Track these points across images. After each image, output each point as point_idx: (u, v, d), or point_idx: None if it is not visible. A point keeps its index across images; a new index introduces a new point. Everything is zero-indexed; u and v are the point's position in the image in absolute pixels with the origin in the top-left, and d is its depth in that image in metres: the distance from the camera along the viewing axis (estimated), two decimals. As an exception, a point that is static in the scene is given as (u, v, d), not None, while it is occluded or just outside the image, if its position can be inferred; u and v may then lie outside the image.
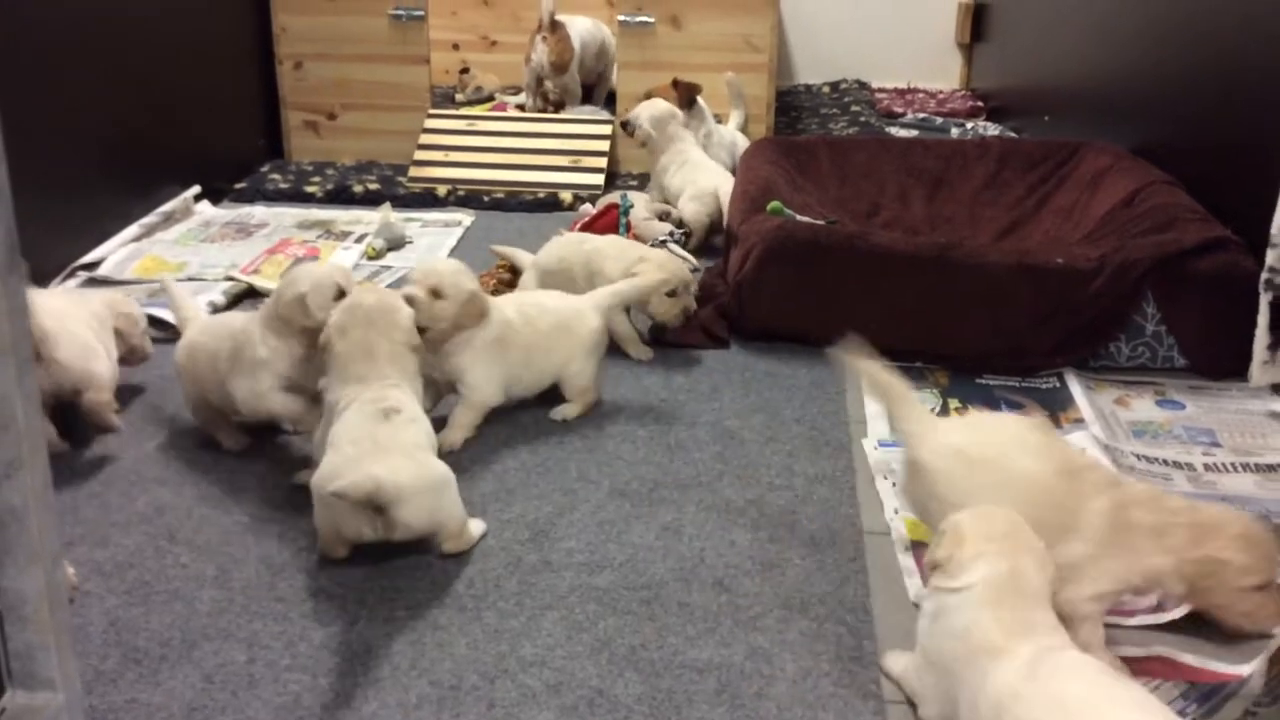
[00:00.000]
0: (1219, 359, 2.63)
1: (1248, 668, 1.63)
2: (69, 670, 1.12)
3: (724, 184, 3.46)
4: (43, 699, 1.10)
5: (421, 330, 2.20)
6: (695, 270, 3.29)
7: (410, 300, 2.23)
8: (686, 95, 3.83)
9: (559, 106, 4.82)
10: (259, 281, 3.13)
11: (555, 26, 4.58)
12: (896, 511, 2.12)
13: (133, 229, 3.41)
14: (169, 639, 1.76)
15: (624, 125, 3.79)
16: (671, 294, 2.68)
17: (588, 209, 3.62)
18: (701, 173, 3.56)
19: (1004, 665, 1.41)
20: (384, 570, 1.93)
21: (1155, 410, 2.53)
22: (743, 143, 3.95)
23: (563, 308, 2.51)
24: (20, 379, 1.00)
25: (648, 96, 3.84)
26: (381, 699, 1.64)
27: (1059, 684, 1.36)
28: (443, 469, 1.94)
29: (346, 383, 2.01)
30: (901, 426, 1.91)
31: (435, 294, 2.28)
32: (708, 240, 3.49)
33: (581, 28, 4.73)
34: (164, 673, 1.69)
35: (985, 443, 1.81)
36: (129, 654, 1.72)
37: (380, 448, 1.87)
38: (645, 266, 2.69)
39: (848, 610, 1.85)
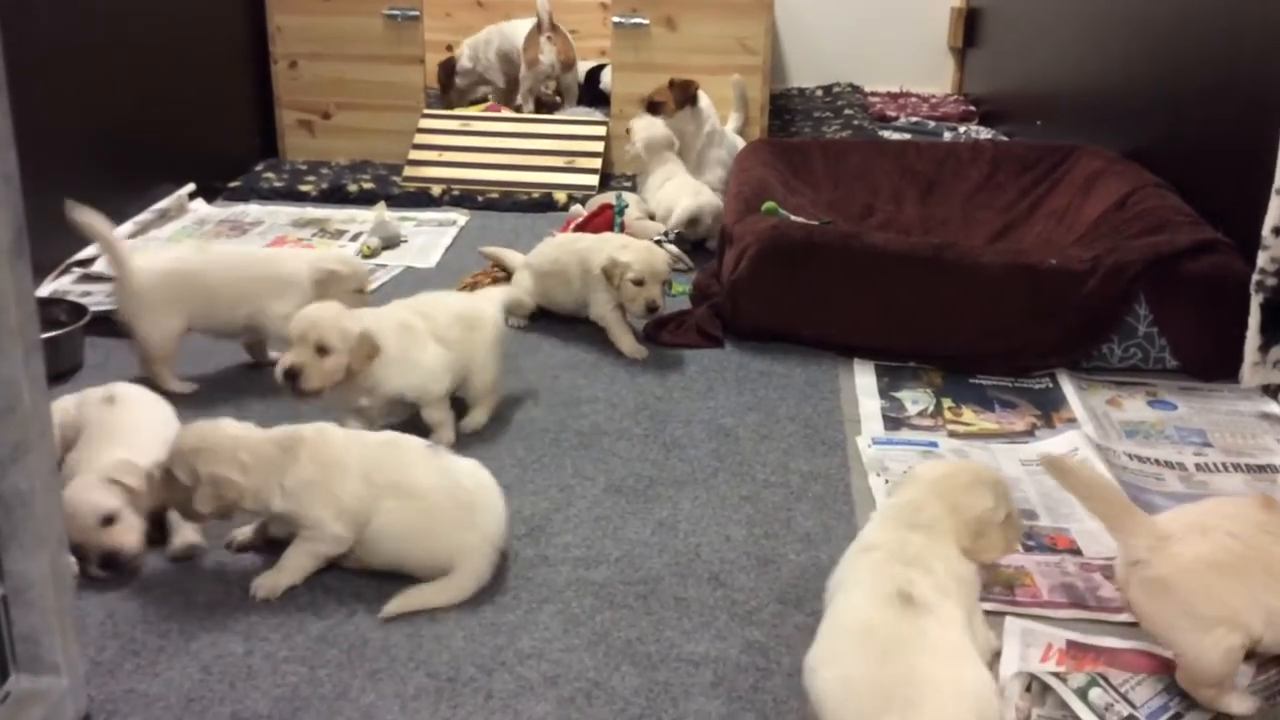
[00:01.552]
0: (1210, 360, 2.65)
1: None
2: (73, 655, 1.12)
3: (707, 203, 3.47)
4: (47, 683, 1.10)
5: (316, 393, 2.11)
6: (689, 270, 3.31)
7: (294, 371, 2.09)
8: (682, 95, 3.83)
9: (553, 107, 4.83)
10: (254, 278, 3.12)
11: (555, 26, 4.60)
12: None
13: (127, 226, 3.41)
14: (167, 630, 1.76)
15: (628, 131, 3.80)
16: (639, 283, 2.69)
17: (578, 210, 3.63)
18: (685, 195, 3.51)
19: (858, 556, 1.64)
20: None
21: (1147, 411, 2.55)
22: (740, 145, 3.96)
23: (460, 304, 2.45)
24: (27, 362, 1.00)
25: (648, 102, 3.83)
26: (379, 690, 1.65)
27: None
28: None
29: None
30: (1127, 540, 1.66)
31: (321, 350, 2.13)
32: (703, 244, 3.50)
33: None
34: (162, 663, 1.69)
35: (1230, 547, 1.62)
36: (127, 645, 1.72)
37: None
38: (622, 253, 2.71)
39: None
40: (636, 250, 2.73)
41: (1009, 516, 1.73)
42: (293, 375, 2.11)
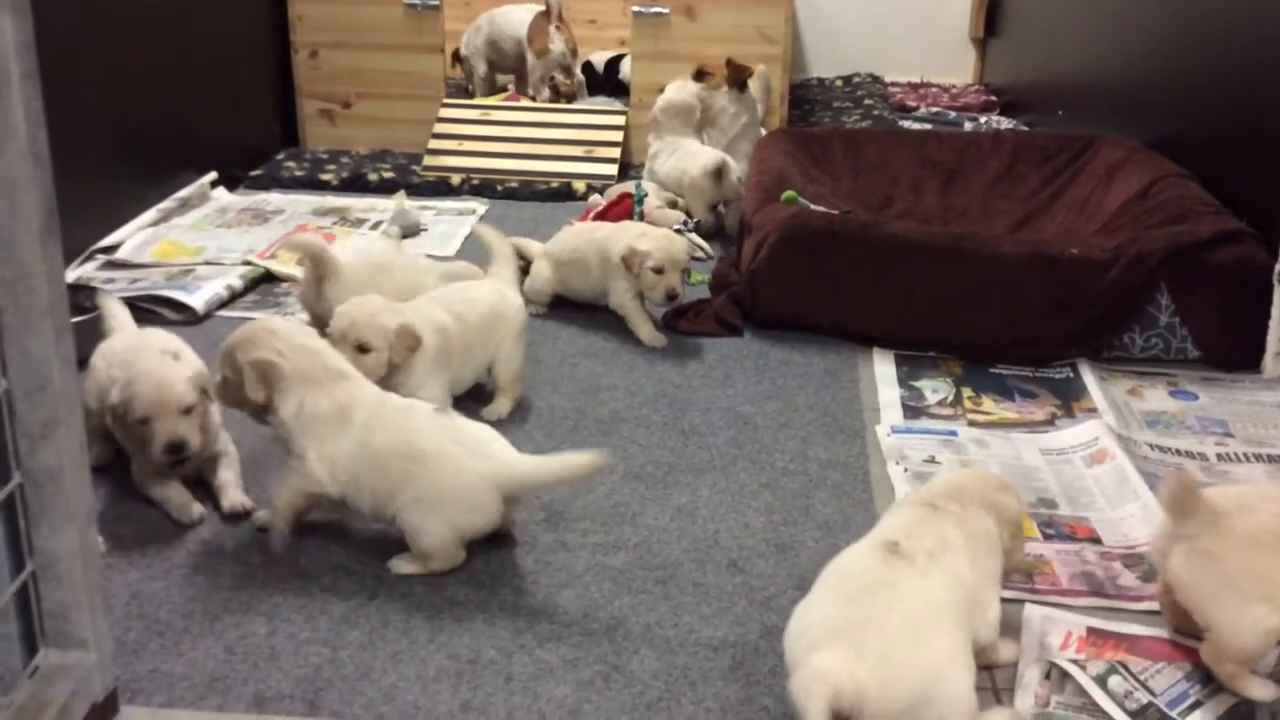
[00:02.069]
0: (1232, 350, 2.63)
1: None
2: (101, 630, 1.14)
3: (712, 158, 3.49)
4: (75, 658, 1.12)
5: None
6: (709, 258, 3.32)
7: None
8: (735, 75, 3.81)
9: (571, 97, 4.84)
10: (276, 266, 3.15)
11: (561, 15, 4.62)
12: (907, 496, 2.13)
13: (150, 214, 3.43)
14: (191, 611, 1.78)
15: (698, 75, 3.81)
16: (658, 271, 2.70)
17: (597, 200, 3.63)
18: (703, 155, 3.54)
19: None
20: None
21: (1168, 401, 2.54)
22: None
23: (489, 295, 2.44)
24: (58, 341, 1.01)
25: (697, 70, 3.82)
26: (400, 671, 1.66)
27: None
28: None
29: None
30: (1183, 519, 1.63)
31: (361, 349, 2.16)
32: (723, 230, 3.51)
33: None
34: (186, 644, 1.71)
35: (1276, 529, 1.60)
36: (151, 625, 1.74)
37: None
38: (641, 241, 2.72)
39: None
40: (655, 238, 2.74)
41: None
42: None
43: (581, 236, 2.92)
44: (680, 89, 3.75)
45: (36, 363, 1.02)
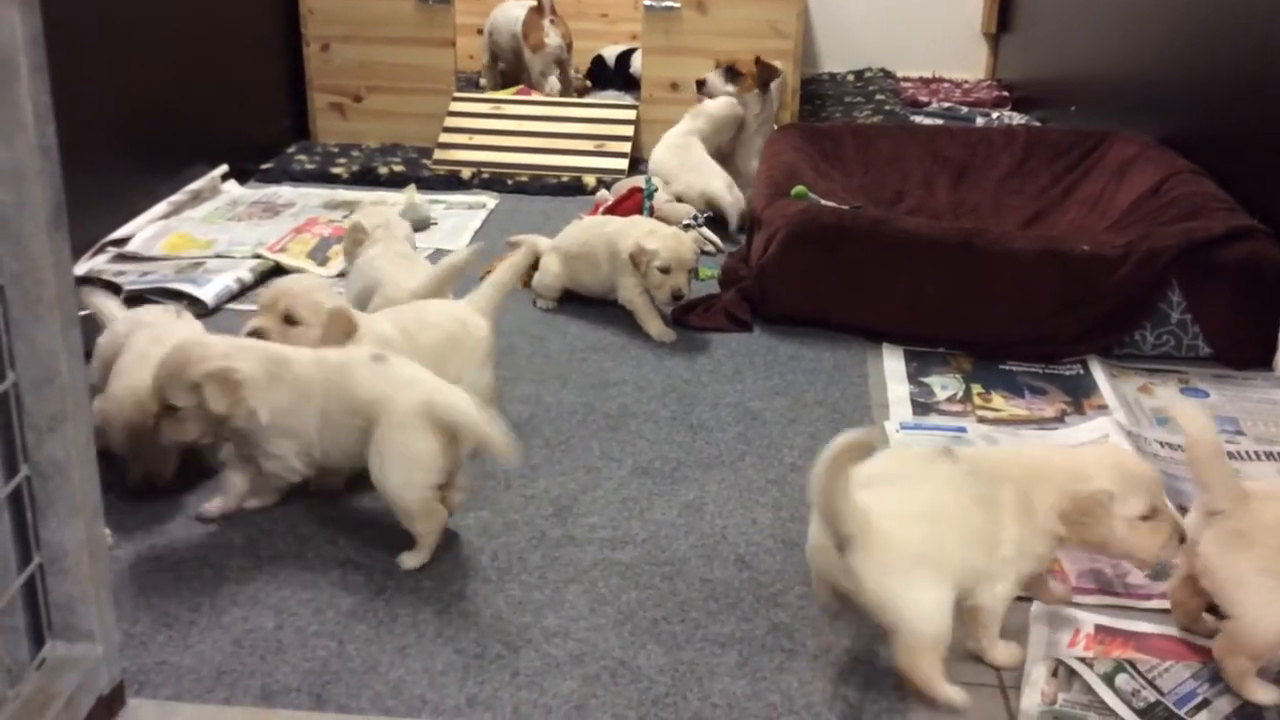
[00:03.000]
0: (1244, 348, 2.62)
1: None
2: (107, 623, 1.14)
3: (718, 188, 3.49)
4: (81, 650, 1.12)
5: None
6: (719, 252, 3.31)
7: (259, 333, 2.04)
8: (765, 76, 3.80)
9: (582, 91, 4.83)
10: (286, 259, 3.15)
11: (554, 9, 4.62)
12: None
13: (161, 206, 3.44)
14: (198, 604, 1.78)
15: (700, 85, 3.79)
16: (665, 270, 2.70)
17: (605, 194, 3.63)
18: (724, 192, 3.52)
19: None
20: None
21: (1179, 398, 2.52)
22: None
23: (447, 321, 2.22)
24: (65, 334, 1.02)
25: (728, 67, 3.79)
26: (407, 665, 1.66)
27: None
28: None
29: None
30: (1212, 490, 1.63)
31: (289, 320, 2.09)
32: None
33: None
34: (194, 636, 1.71)
35: None
36: (159, 618, 1.75)
37: None
38: (649, 240, 2.72)
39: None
40: (664, 237, 2.73)
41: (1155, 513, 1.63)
42: (254, 337, 2.08)
43: (590, 231, 2.92)
44: (730, 105, 3.73)
45: (44, 355, 1.02)
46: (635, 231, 2.79)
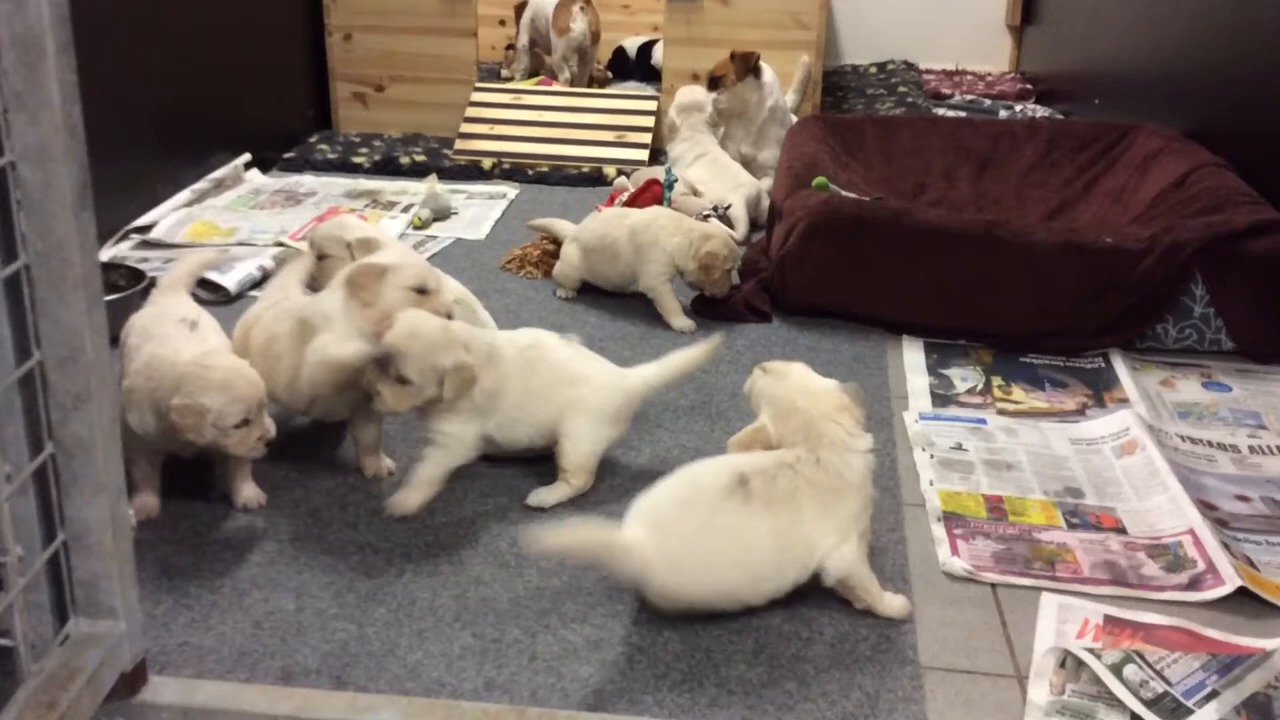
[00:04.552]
0: (1267, 342, 2.61)
1: (1273, 642, 1.62)
2: (130, 600, 1.15)
3: (748, 195, 3.48)
4: (105, 627, 1.13)
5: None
6: (741, 244, 3.31)
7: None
8: (743, 65, 3.79)
9: (603, 82, 4.83)
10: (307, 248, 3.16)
11: None
12: (931, 483, 2.12)
13: (184, 194, 3.46)
14: (220, 586, 1.80)
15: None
16: (729, 269, 2.81)
17: (624, 183, 3.63)
18: (728, 192, 3.49)
19: None
20: (429, 526, 1.96)
21: (1201, 392, 2.51)
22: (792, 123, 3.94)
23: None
24: (90, 312, 1.03)
25: (710, 78, 3.81)
26: (426, 649, 1.67)
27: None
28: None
29: None
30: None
31: (322, 256, 2.22)
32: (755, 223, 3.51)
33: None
34: (215, 618, 1.73)
35: None
36: (180, 599, 1.76)
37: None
38: (709, 244, 2.77)
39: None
40: (722, 240, 2.81)
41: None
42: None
43: (610, 222, 2.92)
44: (690, 90, 3.75)
45: (69, 334, 1.03)
46: (657, 224, 2.81)
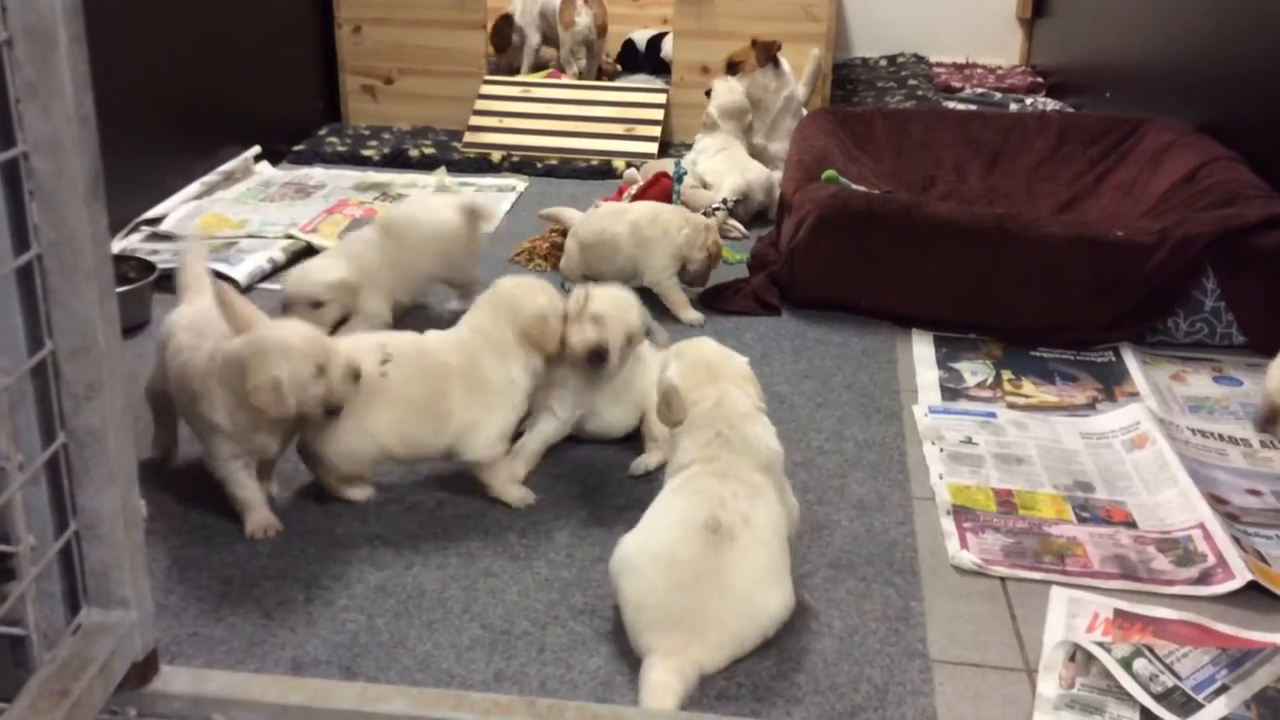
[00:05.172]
0: (1278, 336, 2.59)
1: (1285, 637, 1.62)
2: (141, 590, 1.15)
3: (755, 180, 3.48)
4: (116, 616, 1.13)
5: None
6: (743, 238, 3.31)
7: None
8: (765, 54, 3.78)
9: (612, 75, 4.82)
10: (318, 240, 3.17)
11: None
12: (941, 476, 2.12)
13: (194, 187, 3.47)
14: (230, 577, 1.81)
15: (707, 93, 3.77)
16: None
17: (633, 174, 3.63)
18: (733, 172, 3.50)
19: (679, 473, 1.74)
20: (437, 518, 1.96)
21: (1212, 386, 2.50)
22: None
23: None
24: (102, 302, 1.03)
25: (728, 63, 3.80)
26: (435, 640, 1.68)
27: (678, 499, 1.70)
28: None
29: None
30: None
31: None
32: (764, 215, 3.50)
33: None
34: (225, 608, 1.73)
35: None
36: (191, 590, 1.77)
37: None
38: (715, 233, 2.82)
39: (895, 572, 1.86)
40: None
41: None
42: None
43: (608, 219, 2.88)
44: (731, 89, 3.71)
45: (81, 324, 1.03)
46: (663, 217, 2.80)
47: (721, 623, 1.59)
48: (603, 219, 2.90)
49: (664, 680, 1.53)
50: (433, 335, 2.05)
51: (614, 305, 2.08)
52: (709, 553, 1.60)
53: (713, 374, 1.80)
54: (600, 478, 2.11)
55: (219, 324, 1.84)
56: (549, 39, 4.92)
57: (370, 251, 2.58)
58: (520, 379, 2.00)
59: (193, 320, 1.95)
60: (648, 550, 1.65)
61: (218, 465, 1.88)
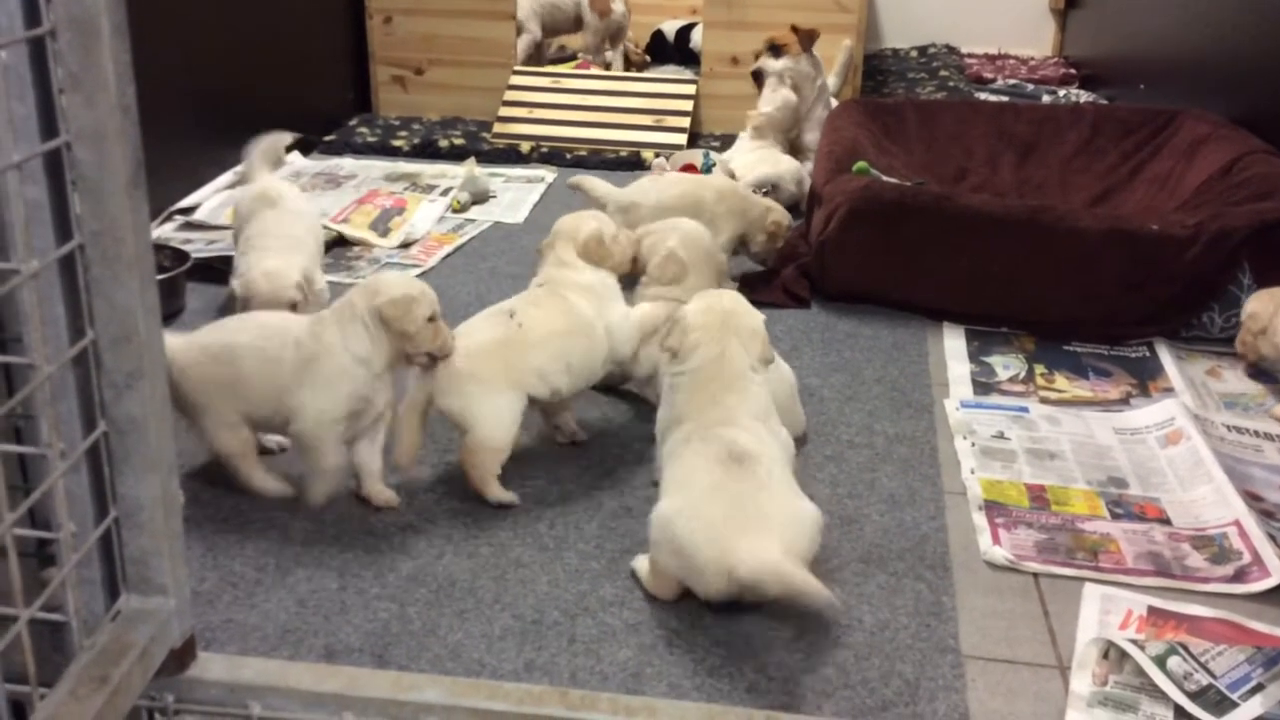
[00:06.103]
0: (1316, 332, 2.56)
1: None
2: (180, 577, 1.16)
3: (786, 170, 3.48)
4: (155, 603, 1.14)
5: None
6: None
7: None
8: (808, 40, 3.77)
9: (640, 65, 4.81)
10: (349, 230, 3.19)
11: None
12: (973, 471, 2.11)
13: (227, 176, 3.49)
14: (264, 565, 1.82)
15: (754, 76, 3.76)
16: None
17: (662, 163, 3.62)
18: (765, 164, 3.50)
19: (675, 433, 1.80)
20: (468, 508, 1.97)
21: (1247, 382, 2.48)
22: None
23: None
24: (143, 292, 1.03)
25: (770, 44, 3.78)
26: (466, 629, 1.68)
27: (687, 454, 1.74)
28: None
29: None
30: None
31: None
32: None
33: None
34: (259, 596, 1.75)
35: None
36: (226, 577, 1.79)
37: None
38: (775, 214, 2.88)
39: (927, 567, 1.85)
40: (784, 210, 2.93)
41: None
42: None
43: (688, 183, 2.93)
44: (785, 106, 3.70)
45: (122, 313, 1.04)
46: (745, 197, 2.89)
47: (777, 527, 1.65)
48: (680, 183, 2.92)
49: (776, 560, 1.59)
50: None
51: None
52: (738, 473, 1.68)
53: (725, 324, 1.86)
54: (629, 470, 2.11)
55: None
56: (553, 31, 4.89)
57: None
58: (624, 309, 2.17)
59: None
60: (685, 495, 1.69)
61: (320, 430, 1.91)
